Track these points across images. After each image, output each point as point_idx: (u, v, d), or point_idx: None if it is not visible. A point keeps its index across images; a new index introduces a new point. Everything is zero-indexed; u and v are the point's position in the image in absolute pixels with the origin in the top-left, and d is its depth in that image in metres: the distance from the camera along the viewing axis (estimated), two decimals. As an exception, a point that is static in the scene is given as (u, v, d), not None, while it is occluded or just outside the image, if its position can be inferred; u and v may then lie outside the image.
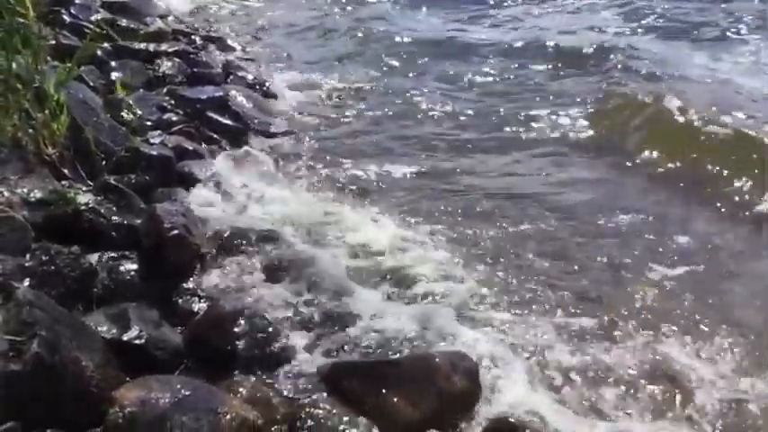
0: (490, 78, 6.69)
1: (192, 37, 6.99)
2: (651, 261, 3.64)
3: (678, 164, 4.81)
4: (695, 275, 3.54)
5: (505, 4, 9.35)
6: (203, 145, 4.63)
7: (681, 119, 5.28)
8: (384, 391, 2.48)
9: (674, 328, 3.09)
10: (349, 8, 9.19)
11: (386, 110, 5.86)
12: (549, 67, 6.90)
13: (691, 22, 8.23)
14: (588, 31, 8.03)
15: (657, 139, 5.16)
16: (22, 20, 3.45)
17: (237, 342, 2.62)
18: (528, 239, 3.85)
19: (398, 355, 2.68)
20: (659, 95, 5.63)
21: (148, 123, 4.55)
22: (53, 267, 2.61)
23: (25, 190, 3.00)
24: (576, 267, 3.60)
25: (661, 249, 3.76)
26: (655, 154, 4.95)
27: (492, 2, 9.37)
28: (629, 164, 4.92)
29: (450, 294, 3.22)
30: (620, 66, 6.67)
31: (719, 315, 3.20)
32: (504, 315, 3.11)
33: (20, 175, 3.07)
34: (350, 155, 4.90)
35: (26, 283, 2.48)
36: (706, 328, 3.09)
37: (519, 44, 7.51)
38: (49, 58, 4.03)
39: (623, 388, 2.73)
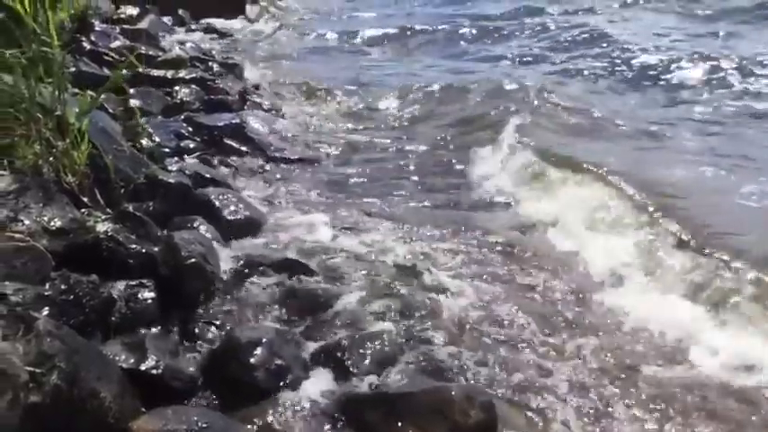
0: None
1: (210, 64, 7.09)
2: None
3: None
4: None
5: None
6: (221, 171, 4.68)
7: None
8: (399, 423, 2.47)
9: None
10: (356, 42, 9.55)
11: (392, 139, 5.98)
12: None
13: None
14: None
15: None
16: (47, 49, 3.51)
17: (253, 372, 2.62)
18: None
19: (415, 387, 2.66)
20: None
21: (166, 150, 4.61)
22: (72, 296, 2.62)
23: (45, 218, 3.03)
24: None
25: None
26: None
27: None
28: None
29: (467, 322, 3.23)
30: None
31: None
32: (525, 344, 3.11)
33: (40, 203, 3.10)
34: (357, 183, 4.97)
35: (45, 312, 2.49)
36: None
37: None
38: (69, 86, 4.10)
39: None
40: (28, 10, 3.51)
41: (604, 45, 9.65)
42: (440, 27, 11.30)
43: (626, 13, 12.18)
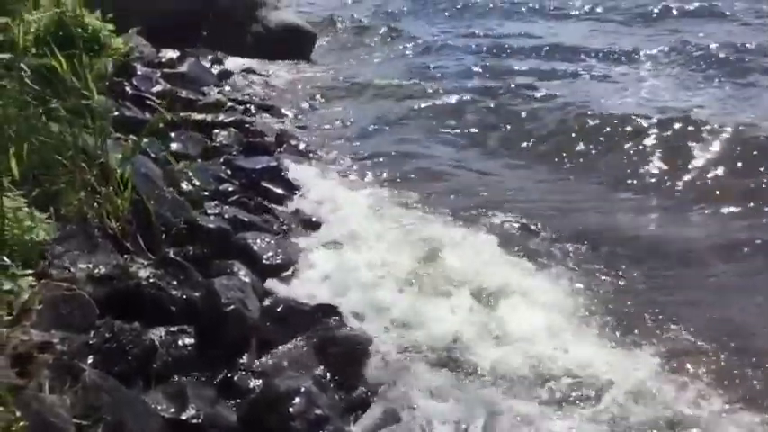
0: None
1: (248, 106, 7.21)
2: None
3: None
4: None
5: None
6: (258, 215, 4.72)
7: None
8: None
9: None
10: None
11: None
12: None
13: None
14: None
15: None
16: (87, 101, 3.64)
17: (292, 422, 2.62)
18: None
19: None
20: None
21: (206, 194, 4.66)
22: (116, 344, 2.67)
23: (90, 265, 3.09)
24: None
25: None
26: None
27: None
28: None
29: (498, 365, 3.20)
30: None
31: None
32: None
33: (85, 250, 3.17)
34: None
35: (90, 360, 2.54)
36: None
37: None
38: (111, 130, 4.20)
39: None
40: (65, 66, 3.65)
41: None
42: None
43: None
